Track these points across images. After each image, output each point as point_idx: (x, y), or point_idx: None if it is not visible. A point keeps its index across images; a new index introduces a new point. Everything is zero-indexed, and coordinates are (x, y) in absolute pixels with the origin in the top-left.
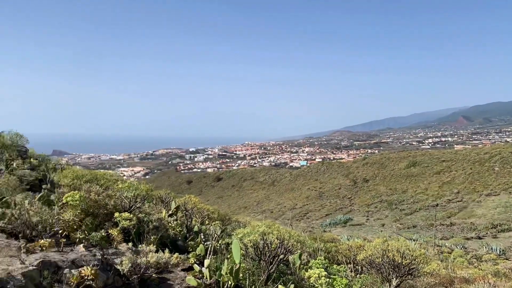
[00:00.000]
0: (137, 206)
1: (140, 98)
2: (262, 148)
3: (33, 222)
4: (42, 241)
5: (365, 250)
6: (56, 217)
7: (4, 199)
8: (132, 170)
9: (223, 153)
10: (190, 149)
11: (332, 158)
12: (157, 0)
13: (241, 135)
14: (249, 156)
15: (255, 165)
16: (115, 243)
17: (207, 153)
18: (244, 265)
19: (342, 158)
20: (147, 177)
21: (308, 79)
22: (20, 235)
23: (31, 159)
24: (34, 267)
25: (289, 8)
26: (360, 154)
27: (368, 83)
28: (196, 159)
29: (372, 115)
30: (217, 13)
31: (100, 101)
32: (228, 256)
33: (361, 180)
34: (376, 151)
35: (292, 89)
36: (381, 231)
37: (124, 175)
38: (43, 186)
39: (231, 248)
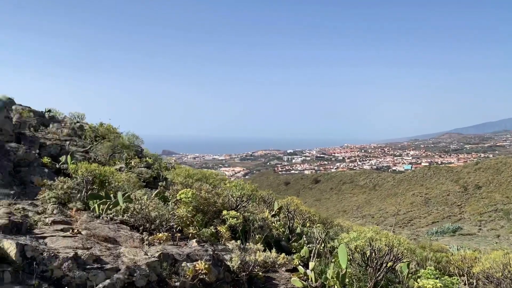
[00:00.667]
0: (243, 205)
1: (240, 102)
2: (362, 150)
3: (152, 216)
4: (160, 234)
5: (481, 262)
6: (171, 213)
7: (126, 194)
8: (233, 170)
9: (321, 155)
10: (288, 151)
11: (439, 162)
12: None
13: (338, 137)
14: (348, 158)
15: (354, 168)
16: (223, 239)
17: (304, 154)
18: (350, 270)
19: (451, 163)
20: (246, 177)
21: (412, 79)
22: (140, 228)
23: (147, 158)
24: (155, 259)
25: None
26: (472, 159)
27: (483, 81)
28: (293, 160)
29: (486, 116)
30: (294, 14)
31: (203, 105)
32: (333, 260)
33: (473, 186)
34: (491, 155)
35: (393, 90)
36: (496, 242)
37: (226, 175)
38: (159, 184)
39: (336, 252)
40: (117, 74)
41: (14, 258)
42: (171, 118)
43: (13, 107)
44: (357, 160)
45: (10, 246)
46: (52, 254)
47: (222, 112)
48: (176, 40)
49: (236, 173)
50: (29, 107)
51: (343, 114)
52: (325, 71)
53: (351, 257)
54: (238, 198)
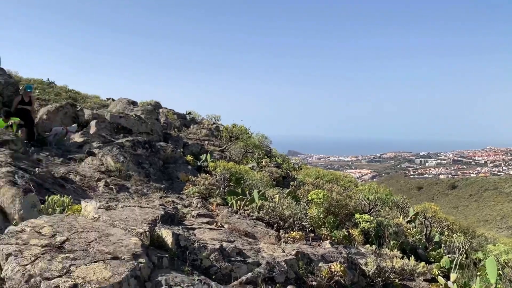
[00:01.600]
0: (377, 209)
1: (367, 102)
2: (509, 154)
3: (285, 215)
4: (294, 233)
5: None
6: (303, 212)
7: (261, 192)
8: (360, 172)
9: (459, 159)
10: (421, 153)
11: None
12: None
13: (477, 138)
14: (491, 162)
15: (499, 173)
16: (356, 243)
17: (439, 157)
18: (500, 286)
19: None
20: (374, 180)
21: None
22: (275, 225)
23: (276, 158)
24: (293, 257)
25: None
26: None
27: None
28: (427, 164)
29: None
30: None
31: (328, 104)
32: (479, 273)
33: None
34: None
35: None
36: None
37: (352, 177)
38: (290, 183)
39: (481, 265)
40: (242, 77)
41: (170, 246)
42: (293, 118)
43: (160, 110)
44: (502, 165)
45: (167, 235)
46: (202, 245)
47: (349, 111)
48: (295, 41)
49: (363, 175)
50: (172, 110)
51: (485, 113)
52: (463, 64)
53: (501, 272)
54: (371, 202)
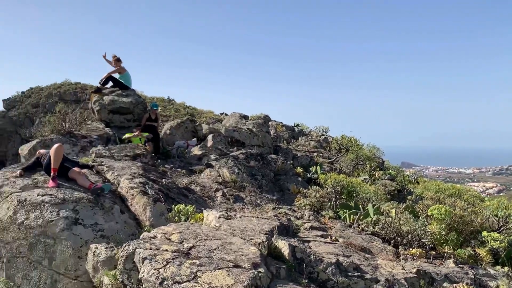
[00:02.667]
0: (508, 227)
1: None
2: None
3: (403, 231)
4: (414, 250)
5: None
6: (422, 228)
7: (375, 206)
8: (483, 186)
9: None
10: None
11: None
12: None
13: None
14: None
15: None
16: (483, 263)
17: None
18: None
19: None
20: (500, 194)
21: None
22: (392, 241)
23: (390, 170)
24: (413, 275)
25: None
26: None
27: None
28: None
29: None
30: None
31: (447, 111)
32: None
33: None
34: None
35: None
36: None
37: (475, 191)
38: (407, 197)
39: None
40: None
41: (287, 257)
42: (407, 127)
43: (269, 123)
44: None
45: (283, 246)
46: (318, 258)
47: (470, 118)
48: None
49: (487, 189)
50: (281, 123)
51: None
52: None
53: None
54: (501, 219)
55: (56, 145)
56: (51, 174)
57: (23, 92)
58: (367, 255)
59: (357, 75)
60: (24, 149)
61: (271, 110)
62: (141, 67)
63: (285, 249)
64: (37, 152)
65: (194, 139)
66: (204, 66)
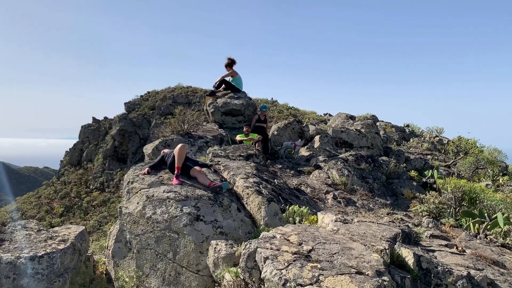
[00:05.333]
0: None
1: None
2: None
3: None
4: None
5: None
6: None
7: (505, 215)
8: None
9: None
10: None
11: None
12: None
13: None
14: None
15: None
16: None
17: None
18: None
19: None
20: None
21: None
22: None
23: None
24: None
25: None
26: None
27: None
28: None
29: None
30: None
31: None
32: None
33: None
34: None
35: None
36: None
37: None
38: None
39: None
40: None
41: (411, 267)
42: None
43: (377, 123)
44: None
45: (407, 255)
46: (446, 270)
47: None
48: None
49: None
50: (390, 123)
51: None
52: None
53: None
54: None
55: (179, 145)
56: (175, 172)
57: (141, 96)
58: (501, 270)
59: (475, 69)
60: (148, 148)
61: (376, 110)
62: (247, 71)
63: (409, 258)
64: (162, 151)
65: (300, 140)
66: (303, 68)
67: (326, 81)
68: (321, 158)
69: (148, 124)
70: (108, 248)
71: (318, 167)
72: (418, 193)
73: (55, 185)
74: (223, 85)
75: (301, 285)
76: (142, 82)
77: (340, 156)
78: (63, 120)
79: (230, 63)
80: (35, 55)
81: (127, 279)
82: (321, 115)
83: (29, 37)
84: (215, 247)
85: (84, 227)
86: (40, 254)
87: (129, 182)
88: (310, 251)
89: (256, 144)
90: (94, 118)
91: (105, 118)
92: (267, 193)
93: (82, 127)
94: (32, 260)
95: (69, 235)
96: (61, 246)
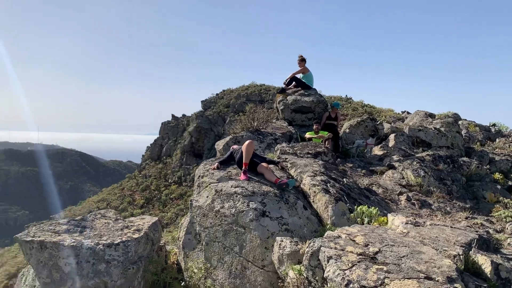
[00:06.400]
0: None
1: None
2: None
3: None
4: None
5: None
6: None
7: None
8: None
9: None
10: None
11: None
12: None
13: None
14: None
15: None
16: None
17: None
18: None
19: None
20: None
21: None
22: None
23: None
24: None
25: None
26: None
27: None
28: None
29: None
30: None
31: None
32: None
33: None
34: None
35: None
36: None
37: None
38: None
39: None
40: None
41: (488, 275)
42: None
43: (459, 122)
44: None
45: (484, 262)
46: None
47: None
48: None
49: None
50: (473, 122)
51: None
52: None
53: None
54: None
55: (247, 142)
56: (243, 168)
57: (217, 94)
58: None
59: None
60: (219, 144)
61: (459, 109)
62: (320, 68)
63: (486, 266)
64: (231, 147)
65: (373, 138)
66: (381, 65)
67: (407, 79)
68: (395, 157)
69: (222, 121)
70: (179, 239)
71: (391, 166)
72: (502, 197)
73: (137, 178)
74: (294, 82)
75: (364, 287)
76: (218, 81)
77: (417, 155)
78: (145, 117)
79: (301, 60)
80: (120, 58)
81: (195, 270)
82: (398, 113)
83: (112, 41)
84: (280, 244)
85: (157, 218)
86: (117, 242)
87: (199, 176)
88: (376, 253)
89: (326, 142)
90: (173, 116)
91: (183, 115)
92: (334, 192)
93: (162, 124)
94: (109, 247)
95: (143, 225)
96: (136, 235)
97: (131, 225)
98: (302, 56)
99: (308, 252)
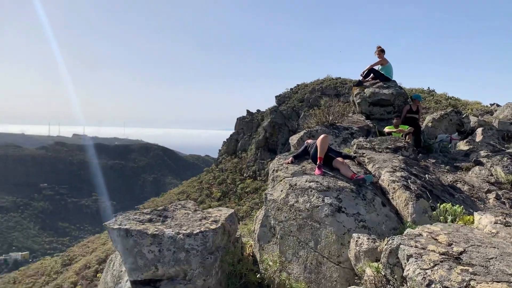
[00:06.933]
0: None
1: None
2: None
3: None
4: None
5: None
6: None
7: None
8: None
9: None
10: None
11: None
12: None
13: None
14: None
15: None
16: None
17: None
18: None
19: None
20: None
21: None
22: None
23: None
24: None
25: None
26: None
27: None
28: None
29: None
30: None
31: None
32: None
33: None
34: None
35: None
36: None
37: None
38: None
39: None
40: None
41: None
42: None
43: None
44: None
45: None
46: None
47: None
48: None
49: None
50: None
51: None
52: None
53: None
54: None
55: (322, 136)
56: (317, 162)
57: (291, 89)
58: None
59: None
60: (293, 139)
61: None
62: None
63: None
64: (305, 141)
65: (458, 133)
66: (468, 55)
67: (496, 69)
68: (483, 153)
69: (297, 116)
70: (254, 231)
71: (479, 163)
72: None
73: (214, 172)
74: (372, 75)
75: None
76: (292, 75)
77: (507, 151)
78: (221, 112)
79: (381, 51)
80: (201, 56)
81: (270, 263)
82: (486, 106)
83: (192, 39)
84: (356, 240)
85: (233, 210)
86: (195, 232)
87: (274, 170)
88: (461, 253)
89: (407, 137)
90: (248, 111)
91: (258, 110)
92: (415, 188)
93: (237, 119)
94: (189, 236)
95: (220, 217)
96: (213, 226)
97: (209, 216)
98: (381, 47)
99: (387, 250)
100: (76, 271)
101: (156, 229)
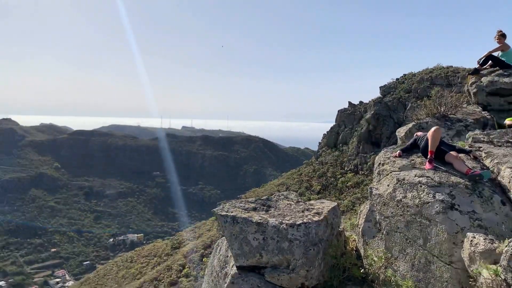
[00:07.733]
0: None
1: None
2: None
3: None
4: None
5: None
6: None
7: None
8: None
9: None
10: None
11: None
12: None
13: None
14: None
15: None
16: None
17: None
18: None
19: None
20: None
21: None
22: None
23: None
24: None
25: None
26: None
27: None
28: None
29: None
30: None
31: None
32: None
33: None
34: None
35: None
36: None
37: None
38: None
39: None
40: None
41: None
42: None
43: None
44: None
45: None
46: None
47: None
48: None
49: None
50: None
51: None
52: None
53: None
54: None
55: (434, 128)
56: (428, 156)
57: (397, 79)
58: None
59: None
60: (400, 131)
61: None
62: None
63: None
64: (414, 134)
65: None
66: None
67: None
68: None
69: (403, 107)
70: (358, 226)
71: None
72: None
73: (314, 165)
74: (490, 61)
75: None
76: (398, 65)
77: None
78: (322, 105)
79: (501, 36)
80: (302, 51)
81: (375, 259)
82: None
83: (295, 34)
84: (471, 240)
85: (336, 203)
86: (298, 223)
87: (380, 164)
88: None
89: None
90: (350, 103)
91: (360, 102)
92: None
93: (338, 111)
94: (292, 227)
95: (323, 209)
96: (316, 218)
97: (311, 208)
98: (501, 31)
99: (508, 252)
100: (184, 254)
101: (260, 218)
